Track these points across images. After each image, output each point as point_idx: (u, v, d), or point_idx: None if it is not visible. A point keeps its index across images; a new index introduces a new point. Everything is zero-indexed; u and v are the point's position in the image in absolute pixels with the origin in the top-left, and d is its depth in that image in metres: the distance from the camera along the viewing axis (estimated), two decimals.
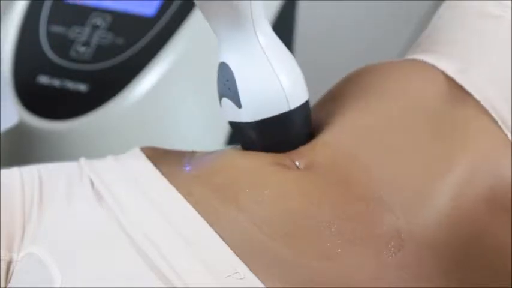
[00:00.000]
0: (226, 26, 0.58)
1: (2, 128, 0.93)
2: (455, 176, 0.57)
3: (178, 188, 0.57)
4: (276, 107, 0.58)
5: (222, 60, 0.59)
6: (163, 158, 0.62)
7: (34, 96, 1.07)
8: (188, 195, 0.56)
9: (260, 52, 0.58)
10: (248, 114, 0.58)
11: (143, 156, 0.62)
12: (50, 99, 1.07)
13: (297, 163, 0.58)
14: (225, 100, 0.59)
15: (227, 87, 0.59)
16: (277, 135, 0.59)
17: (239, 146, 0.63)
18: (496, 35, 0.66)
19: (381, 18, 1.41)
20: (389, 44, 1.35)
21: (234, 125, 0.60)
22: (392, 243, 0.52)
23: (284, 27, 1.29)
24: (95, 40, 1.05)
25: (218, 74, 0.60)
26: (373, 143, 0.60)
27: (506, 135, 0.62)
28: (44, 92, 1.06)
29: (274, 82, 0.58)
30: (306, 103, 0.60)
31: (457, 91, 0.64)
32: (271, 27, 0.59)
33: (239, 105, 0.58)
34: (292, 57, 0.60)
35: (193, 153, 0.63)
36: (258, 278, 0.48)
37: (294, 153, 0.59)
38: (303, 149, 0.60)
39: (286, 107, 0.58)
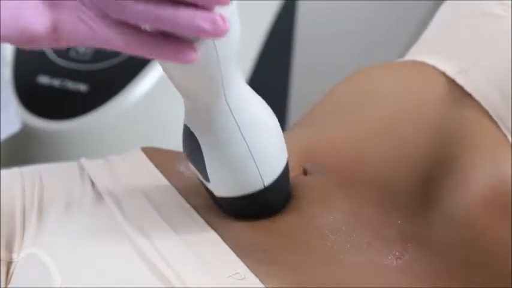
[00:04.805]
0: (192, 90, 0.50)
1: (3, 135, 0.93)
2: (455, 177, 0.57)
3: (179, 189, 0.57)
4: (248, 186, 0.51)
5: (188, 124, 0.51)
6: (163, 159, 0.62)
7: (34, 97, 1.07)
8: (188, 197, 0.56)
9: (232, 124, 0.50)
10: (217, 191, 0.52)
11: (144, 157, 0.62)
12: (50, 99, 1.07)
13: (307, 167, 0.58)
14: (192, 167, 0.53)
15: (193, 157, 0.52)
16: (251, 210, 0.53)
17: None
18: (497, 35, 0.66)
19: (380, 18, 1.41)
20: (389, 44, 1.36)
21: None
22: (397, 247, 0.53)
23: (284, 27, 1.29)
24: None
25: (183, 137, 0.52)
26: (375, 146, 0.60)
27: (506, 136, 0.62)
28: (44, 92, 1.06)
29: (248, 161, 0.50)
30: (285, 169, 0.53)
31: (457, 92, 0.64)
32: (247, 87, 0.51)
33: (207, 180, 0.52)
34: (271, 114, 0.52)
35: None
36: (258, 278, 0.48)
37: (302, 158, 0.59)
38: (309, 151, 0.59)
39: (261, 185, 0.51)
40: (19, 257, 0.53)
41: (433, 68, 0.66)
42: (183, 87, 0.50)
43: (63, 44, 0.46)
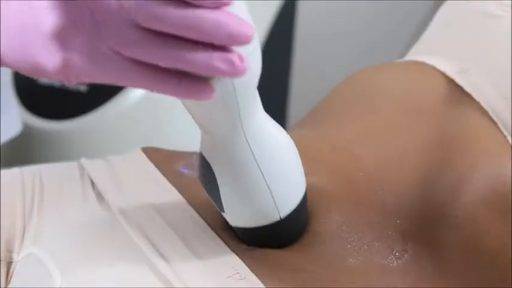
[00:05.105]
0: (208, 122, 0.48)
1: (3, 138, 0.93)
2: (455, 178, 0.57)
3: (179, 190, 0.57)
4: (264, 218, 0.50)
5: (203, 153, 0.50)
6: (163, 159, 0.62)
7: (34, 97, 1.07)
8: (189, 198, 0.56)
9: (249, 156, 0.48)
10: (232, 221, 0.52)
11: (144, 157, 0.62)
12: (50, 99, 1.07)
13: (306, 167, 0.58)
14: (208, 196, 0.52)
15: (209, 187, 0.51)
16: (266, 240, 0.52)
17: None
18: (497, 35, 0.66)
19: (380, 18, 1.41)
20: (389, 44, 1.36)
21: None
22: (397, 247, 0.53)
23: (284, 27, 1.29)
24: None
25: (199, 165, 0.51)
26: (375, 147, 0.60)
27: (505, 137, 0.62)
28: (44, 92, 1.06)
29: (264, 193, 0.49)
30: (302, 200, 0.52)
31: (457, 92, 0.64)
32: (266, 116, 0.50)
33: (222, 210, 0.51)
34: (291, 144, 0.51)
35: (192, 154, 0.63)
36: (258, 278, 0.48)
37: (302, 158, 0.59)
38: (310, 151, 0.59)
39: (277, 217, 0.51)
40: (19, 257, 0.53)
41: (433, 68, 0.66)
42: (199, 119, 0.48)
43: (72, 80, 0.44)
